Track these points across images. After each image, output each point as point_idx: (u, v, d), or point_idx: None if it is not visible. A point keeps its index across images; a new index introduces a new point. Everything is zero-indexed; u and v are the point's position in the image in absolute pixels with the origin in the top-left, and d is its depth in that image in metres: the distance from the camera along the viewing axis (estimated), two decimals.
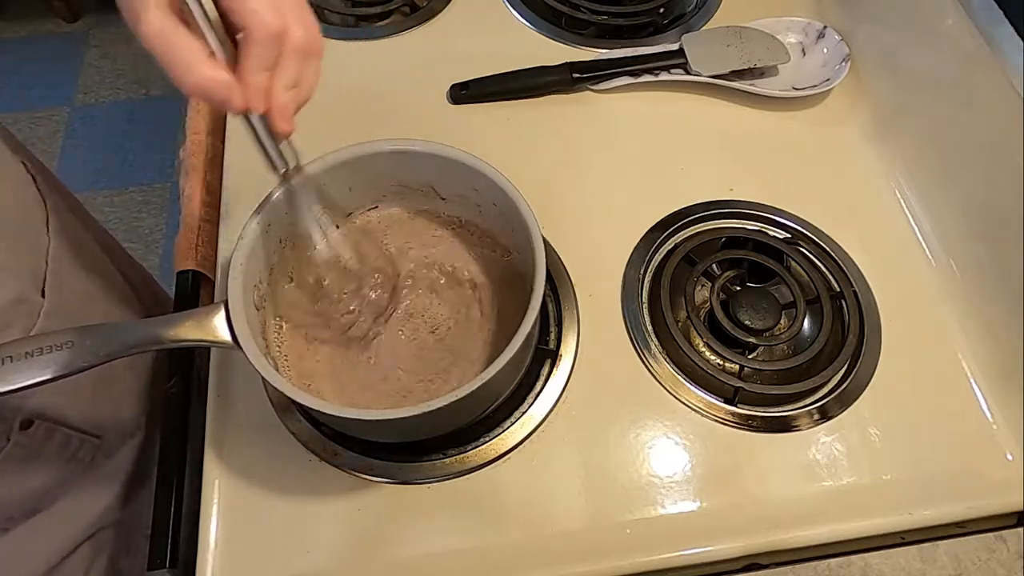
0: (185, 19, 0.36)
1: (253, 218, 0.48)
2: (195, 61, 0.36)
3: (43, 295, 0.53)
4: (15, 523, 0.56)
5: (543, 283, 0.46)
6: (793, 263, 0.62)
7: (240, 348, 0.44)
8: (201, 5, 0.36)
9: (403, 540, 0.51)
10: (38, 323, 0.52)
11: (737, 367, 0.57)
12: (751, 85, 0.71)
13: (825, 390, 0.57)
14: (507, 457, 0.53)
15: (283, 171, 0.45)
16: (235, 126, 0.69)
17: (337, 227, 0.54)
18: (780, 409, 0.56)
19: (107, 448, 0.61)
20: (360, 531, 0.51)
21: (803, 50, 0.75)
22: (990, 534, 0.50)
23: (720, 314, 0.58)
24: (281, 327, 0.53)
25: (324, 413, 0.44)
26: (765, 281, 0.62)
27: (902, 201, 0.66)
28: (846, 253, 0.63)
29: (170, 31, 0.35)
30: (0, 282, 0.50)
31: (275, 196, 0.48)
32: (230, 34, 0.38)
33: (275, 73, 0.38)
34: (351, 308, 0.52)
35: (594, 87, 0.72)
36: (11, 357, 0.39)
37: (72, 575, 0.60)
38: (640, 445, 0.54)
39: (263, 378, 0.43)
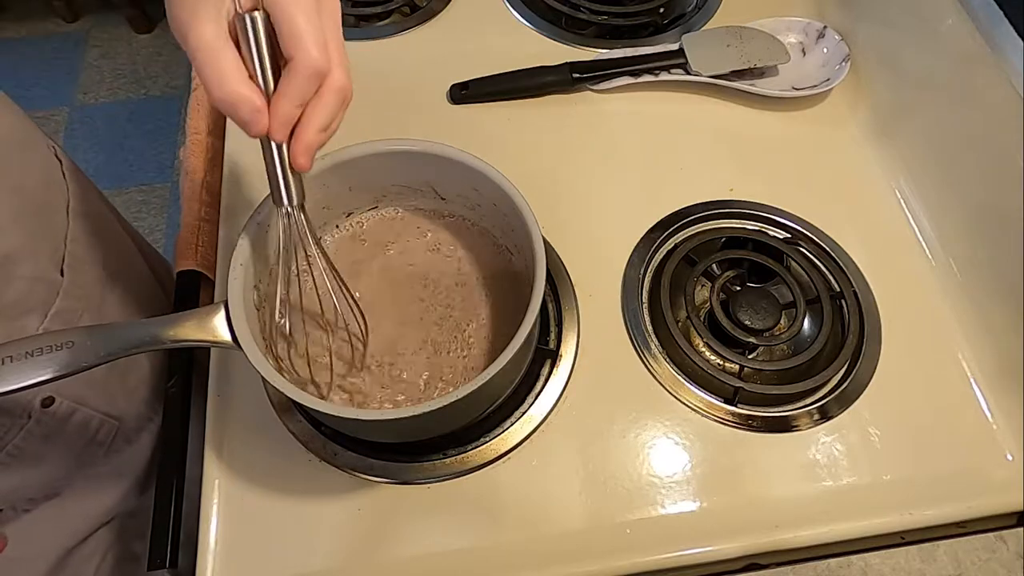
0: (236, 40, 0.38)
1: (253, 218, 0.48)
2: (232, 76, 0.37)
3: (62, 274, 0.54)
4: (35, 504, 0.57)
5: (543, 283, 0.46)
6: (793, 263, 0.62)
7: (240, 348, 0.44)
8: (256, 30, 0.38)
9: (403, 540, 0.51)
10: (57, 301, 0.53)
11: (737, 367, 0.57)
12: (751, 85, 0.71)
13: (825, 390, 0.57)
14: (507, 457, 0.53)
15: (286, 206, 0.43)
16: (235, 126, 0.69)
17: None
18: (780, 409, 0.56)
19: (126, 432, 0.61)
20: (360, 531, 0.51)
21: (803, 50, 0.75)
22: (990, 534, 0.51)
23: (720, 314, 0.58)
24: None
25: (324, 413, 0.44)
26: (765, 281, 0.62)
27: (902, 201, 0.66)
28: (846, 253, 0.63)
29: (219, 45, 0.37)
30: (21, 261, 0.50)
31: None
32: (274, 66, 0.39)
33: (311, 110, 0.39)
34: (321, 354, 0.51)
35: (594, 87, 0.72)
36: (11, 357, 0.39)
37: (90, 557, 0.61)
38: (640, 445, 0.54)
39: (263, 378, 0.43)
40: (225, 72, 0.37)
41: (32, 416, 0.52)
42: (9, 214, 0.50)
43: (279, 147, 0.41)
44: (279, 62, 0.39)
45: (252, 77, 0.38)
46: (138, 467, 0.64)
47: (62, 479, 0.58)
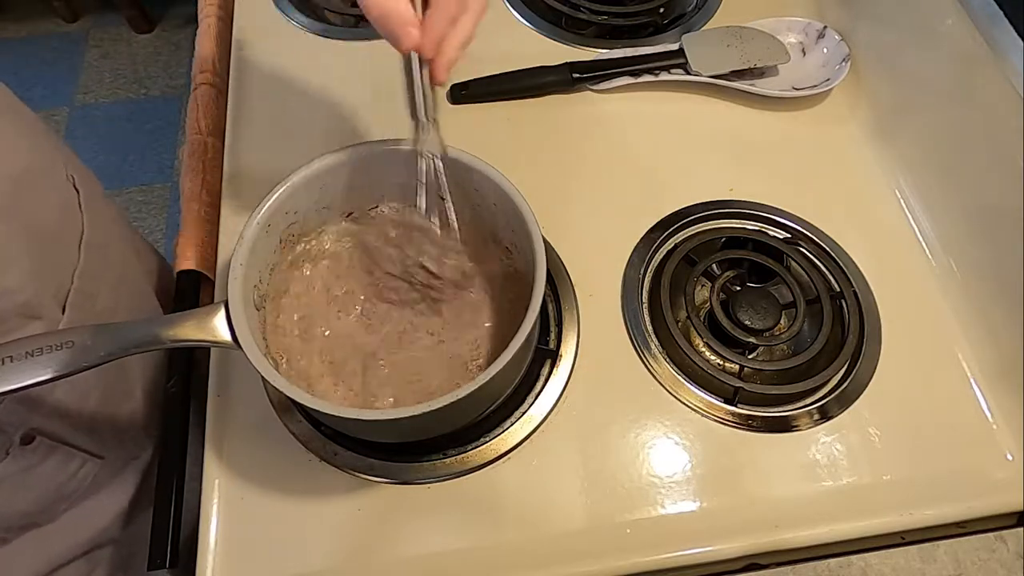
0: None
1: (253, 218, 0.48)
2: None
3: (63, 311, 0.52)
4: (13, 534, 0.55)
5: (543, 283, 0.46)
6: (793, 263, 0.62)
7: (240, 348, 0.44)
8: None
9: (403, 540, 0.51)
10: None
11: (737, 367, 0.57)
12: (751, 85, 0.71)
13: (825, 390, 0.57)
14: (507, 457, 0.53)
15: (423, 119, 0.47)
16: (235, 126, 0.69)
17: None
18: (780, 409, 0.56)
19: (111, 467, 0.60)
20: (360, 531, 0.51)
21: (803, 50, 0.75)
22: (990, 534, 0.51)
23: (720, 314, 0.58)
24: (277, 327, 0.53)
25: (324, 413, 0.44)
26: (765, 281, 0.62)
27: (902, 201, 0.66)
28: (846, 253, 0.63)
29: None
30: (21, 297, 0.49)
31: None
32: None
33: (457, 28, 0.43)
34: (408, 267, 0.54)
35: (594, 87, 0.72)
36: (11, 357, 0.39)
37: None
38: (640, 445, 0.54)
39: (263, 378, 0.43)
40: None
41: (10, 452, 0.50)
42: (18, 251, 0.48)
43: (421, 63, 0.44)
44: None
45: None
46: (122, 499, 0.62)
47: (40, 512, 0.56)
